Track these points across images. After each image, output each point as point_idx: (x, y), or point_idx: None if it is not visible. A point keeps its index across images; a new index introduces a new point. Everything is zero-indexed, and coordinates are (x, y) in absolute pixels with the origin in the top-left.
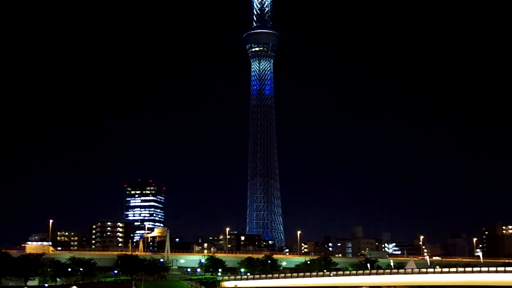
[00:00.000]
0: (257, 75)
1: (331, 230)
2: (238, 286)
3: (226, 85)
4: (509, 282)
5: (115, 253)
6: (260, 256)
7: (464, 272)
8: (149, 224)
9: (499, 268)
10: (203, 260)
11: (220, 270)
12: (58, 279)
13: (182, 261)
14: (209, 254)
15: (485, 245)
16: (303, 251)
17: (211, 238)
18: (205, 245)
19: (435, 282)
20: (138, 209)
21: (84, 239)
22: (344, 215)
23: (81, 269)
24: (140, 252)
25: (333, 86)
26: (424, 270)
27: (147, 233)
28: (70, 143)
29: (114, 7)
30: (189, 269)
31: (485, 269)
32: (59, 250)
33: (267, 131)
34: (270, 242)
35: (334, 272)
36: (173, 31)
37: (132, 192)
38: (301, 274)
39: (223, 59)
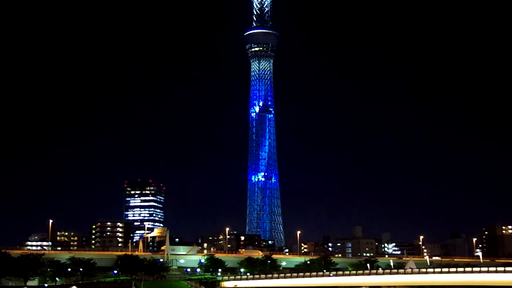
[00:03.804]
0: (257, 75)
1: (331, 230)
2: (237, 286)
3: (226, 85)
4: (509, 282)
5: (115, 253)
6: (260, 256)
7: (464, 272)
8: (149, 224)
9: (499, 268)
10: (203, 260)
11: (220, 270)
12: (58, 279)
13: (182, 261)
14: (209, 254)
15: (485, 245)
16: (302, 251)
17: (211, 238)
18: (205, 245)
19: (435, 282)
20: (138, 209)
21: (84, 239)
22: (344, 215)
23: (80, 269)
24: (140, 252)
25: (333, 86)
26: (424, 270)
27: (147, 233)
28: (69, 142)
29: (112, 7)
30: (188, 269)
31: (485, 269)
32: (59, 250)
33: (267, 131)
34: (270, 242)
35: (334, 272)
36: (173, 31)
37: (132, 192)
38: (301, 274)
39: (223, 59)
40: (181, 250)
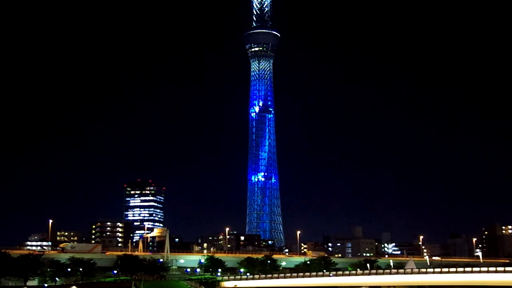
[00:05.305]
0: (256, 75)
1: (331, 230)
2: (237, 286)
3: (226, 85)
4: (509, 282)
5: (115, 253)
6: (260, 256)
7: (464, 272)
8: (148, 224)
9: (499, 268)
10: (202, 260)
11: (219, 270)
12: (58, 279)
13: (181, 261)
14: (209, 254)
15: (484, 245)
16: (302, 251)
17: (210, 238)
18: (205, 245)
19: (435, 282)
20: (138, 209)
21: (84, 239)
22: (344, 215)
23: (80, 269)
24: (140, 252)
25: (333, 86)
26: (424, 270)
27: (147, 233)
28: (69, 143)
29: (112, 6)
30: (188, 269)
31: (485, 269)
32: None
33: (266, 131)
34: (269, 242)
35: (334, 272)
36: (173, 31)
37: (132, 192)
38: (301, 274)
39: (223, 59)
40: (83, 248)
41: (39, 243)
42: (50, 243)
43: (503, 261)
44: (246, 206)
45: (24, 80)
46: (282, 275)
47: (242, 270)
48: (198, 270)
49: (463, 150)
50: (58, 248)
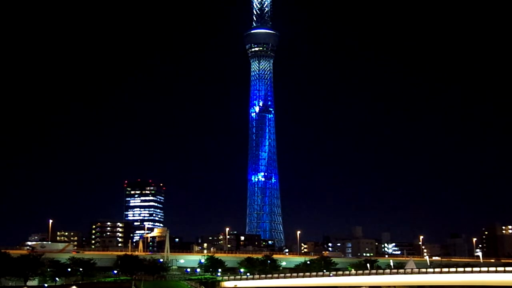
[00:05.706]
0: (257, 75)
1: (331, 230)
2: (237, 286)
3: (226, 85)
4: (509, 282)
5: (115, 253)
6: (260, 256)
7: (464, 272)
8: (148, 224)
9: (499, 268)
10: (202, 260)
11: (219, 270)
12: (58, 279)
13: (181, 261)
14: (209, 254)
15: (484, 245)
16: (302, 251)
17: (210, 238)
18: (205, 245)
19: (435, 282)
20: (138, 209)
21: (84, 239)
22: (344, 215)
23: (80, 269)
24: (140, 252)
25: (334, 86)
26: (424, 270)
27: (147, 233)
28: (69, 142)
29: (112, 6)
30: (188, 269)
31: (485, 269)
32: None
33: (267, 131)
34: (270, 242)
35: (334, 272)
36: (173, 31)
37: (132, 192)
38: (301, 274)
39: (223, 59)
40: (54, 247)
41: (39, 243)
42: (50, 243)
43: (490, 260)
44: (246, 206)
45: (24, 80)
46: (282, 275)
47: (242, 270)
48: (198, 270)
49: (463, 150)
50: (28, 248)
